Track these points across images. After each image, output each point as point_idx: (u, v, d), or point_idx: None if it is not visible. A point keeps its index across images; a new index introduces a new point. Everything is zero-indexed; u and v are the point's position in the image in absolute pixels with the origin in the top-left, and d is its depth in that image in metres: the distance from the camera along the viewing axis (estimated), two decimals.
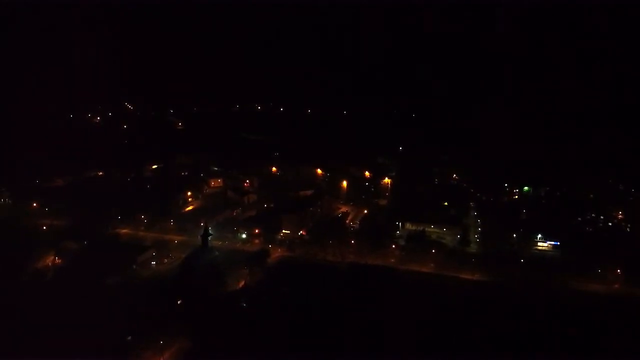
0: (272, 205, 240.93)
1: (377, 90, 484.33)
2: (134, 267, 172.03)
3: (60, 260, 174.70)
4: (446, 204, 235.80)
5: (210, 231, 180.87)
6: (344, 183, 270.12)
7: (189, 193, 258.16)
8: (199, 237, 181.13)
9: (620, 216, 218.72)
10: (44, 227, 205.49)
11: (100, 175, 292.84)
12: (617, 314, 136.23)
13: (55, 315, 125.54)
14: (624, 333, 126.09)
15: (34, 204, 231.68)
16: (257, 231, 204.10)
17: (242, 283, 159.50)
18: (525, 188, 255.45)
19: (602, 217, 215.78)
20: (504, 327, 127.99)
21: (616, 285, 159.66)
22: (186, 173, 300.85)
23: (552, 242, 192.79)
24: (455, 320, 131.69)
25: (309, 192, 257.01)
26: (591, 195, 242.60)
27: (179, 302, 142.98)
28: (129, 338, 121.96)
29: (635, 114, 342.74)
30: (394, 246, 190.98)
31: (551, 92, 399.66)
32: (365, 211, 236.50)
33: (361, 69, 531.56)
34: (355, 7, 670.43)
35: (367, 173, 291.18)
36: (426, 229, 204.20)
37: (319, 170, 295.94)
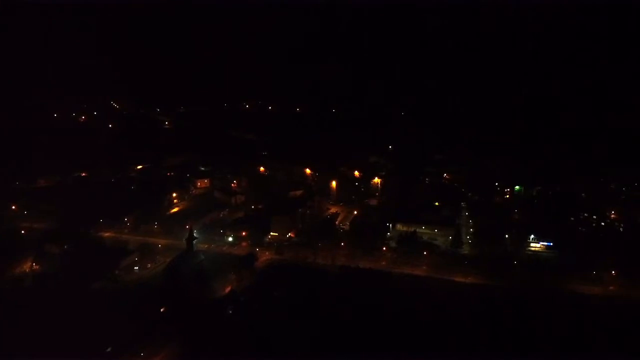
0: (260, 206, 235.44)
1: (367, 88, 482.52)
2: (116, 272, 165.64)
3: (38, 266, 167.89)
4: (437, 204, 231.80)
5: (195, 234, 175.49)
6: (334, 183, 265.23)
7: (175, 194, 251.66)
8: (184, 240, 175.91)
9: (613, 215, 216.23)
10: (23, 231, 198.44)
11: (85, 176, 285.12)
12: (614, 317, 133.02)
13: (32, 325, 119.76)
14: (621, 337, 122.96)
15: (13, 207, 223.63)
16: (244, 233, 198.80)
17: (228, 288, 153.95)
18: (517, 187, 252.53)
19: (595, 217, 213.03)
20: (499, 332, 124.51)
21: (611, 287, 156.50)
22: (172, 173, 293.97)
23: (545, 243, 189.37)
24: (450, 326, 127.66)
25: (298, 193, 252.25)
26: (583, 194, 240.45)
27: (162, 309, 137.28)
28: (109, 349, 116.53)
29: (624, 114, 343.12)
30: (385, 248, 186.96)
31: (542, 92, 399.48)
32: (356, 212, 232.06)
33: (352, 67, 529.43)
34: (345, 6, 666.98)
35: (357, 173, 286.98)
36: (417, 230, 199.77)
37: (308, 170, 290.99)
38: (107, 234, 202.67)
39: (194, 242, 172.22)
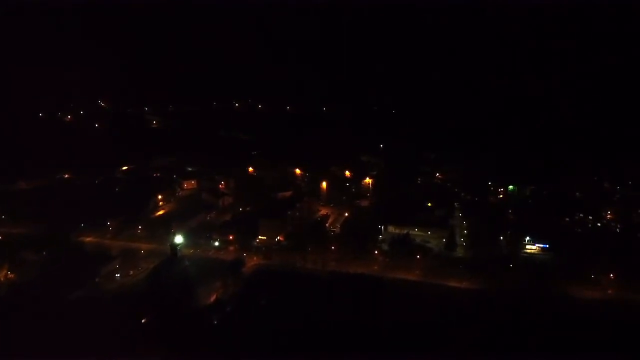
0: (248, 209, 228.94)
1: (359, 87, 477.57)
2: (97, 280, 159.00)
3: (13, 275, 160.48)
4: (430, 204, 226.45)
5: (180, 239, 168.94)
6: (324, 183, 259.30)
7: (160, 196, 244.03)
8: (168, 245, 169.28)
9: (609, 216, 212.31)
10: None
11: (68, 177, 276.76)
12: (614, 323, 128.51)
13: (5, 337, 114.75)
14: (622, 344, 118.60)
15: None
16: (231, 237, 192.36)
17: (214, 296, 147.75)
18: (511, 187, 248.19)
19: (590, 217, 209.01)
20: (495, 338, 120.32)
21: (610, 291, 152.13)
22: (158, 174, 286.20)
23: (541, 245, 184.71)
24: (444, 333, 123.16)
25: (287, 194, 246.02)
26: (578, 194, 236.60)
27: (144, 320, 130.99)
28: None
29: (615, 112, 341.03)
30: (376, 252, 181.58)
31: (536, 91, 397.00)
32: (347, 213, 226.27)
33: (342, 65, 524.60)
34: (335, 6, 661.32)
35: (347, 172, 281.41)
36: (410, 232, 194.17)
37: (298, 170, 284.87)
38: (88, 239, 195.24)
39: (179, 246, 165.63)
